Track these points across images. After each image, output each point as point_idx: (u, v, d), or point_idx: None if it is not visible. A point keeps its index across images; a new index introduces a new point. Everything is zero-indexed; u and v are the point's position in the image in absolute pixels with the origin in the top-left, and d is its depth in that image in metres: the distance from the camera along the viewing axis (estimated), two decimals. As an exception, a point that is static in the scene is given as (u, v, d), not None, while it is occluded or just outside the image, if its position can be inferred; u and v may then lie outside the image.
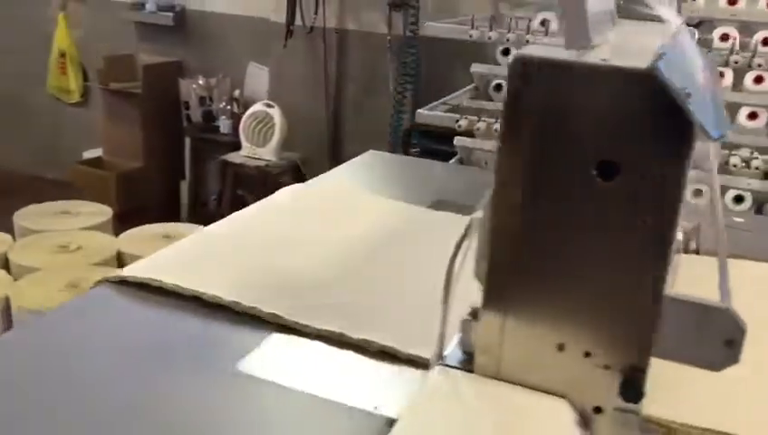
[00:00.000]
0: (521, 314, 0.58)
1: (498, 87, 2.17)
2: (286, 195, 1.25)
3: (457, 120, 1.98)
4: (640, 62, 0.50)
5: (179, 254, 0.99)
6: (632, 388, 0.55)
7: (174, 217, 3.93)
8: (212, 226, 1.12)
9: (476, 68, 2.13)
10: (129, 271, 0.90)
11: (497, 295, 0.58)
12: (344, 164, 1.50)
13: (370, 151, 1.58)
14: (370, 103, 3.64)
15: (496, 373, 0.60)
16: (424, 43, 3.36)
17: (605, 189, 0.52)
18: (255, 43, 3.86)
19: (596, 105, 0.51)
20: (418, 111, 2.01)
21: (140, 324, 0.83)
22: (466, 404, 0.57)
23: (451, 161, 2.10)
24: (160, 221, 3.10)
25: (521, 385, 0.59)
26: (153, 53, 4.18)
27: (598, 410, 0.57)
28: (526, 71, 0.52)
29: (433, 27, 1.98)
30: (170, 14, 4.13)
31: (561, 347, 0.57)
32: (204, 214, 3.82)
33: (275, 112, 3.48)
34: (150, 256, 0.98)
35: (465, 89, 2.18)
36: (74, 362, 0.75)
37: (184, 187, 4.15)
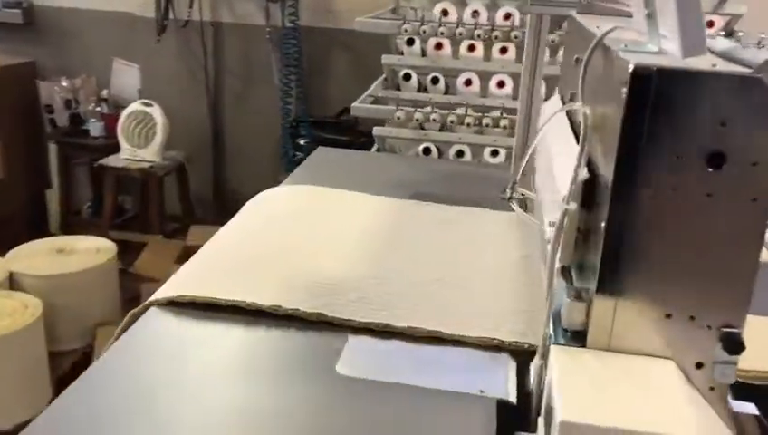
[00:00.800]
0: (632, 292, 0.65)
1: (407, 76, 2.24)
2: (272, 200, 1.26)
3: (396, 112, 2.03)
4: (742, 68, 0.59)
5: (211, 269, 0.99)
6: (734, 342, 0.64)
7: (42, 227, 3.69)
8: (217, 239, 1.11)
9: (387, 59, 2.19)
10: (174, 291, 0.89)
11: (611, 279, 0.66)
12: (302, 166, 1.52)
13: (320, 148, 1.61)
14: (253, 96, 3.60)
15: (607, 346, 0.68)
16: (303, 33, 3.38)
17: (715, 177, 0.61)
18: (121, 40, 3.67)
19: (709, 105, 0.60)
20: (353, 104, 2.03)
21: (209, 342, 0.82)
22: (599, 374, 0.65)
23: (373, 150, 2.15)
24: (28, 233, 2.95)
25: (631, 353, 0.67)
26: (2, 53, 3.86)
27: (699, 365, 0.66)
28: (647, 79, 0.60)
29: (363, 23, 2.01)
30: (18, 10, 3.82)
31: (668, 316, 0.66)
32: (78, 223, 3.61)
33: (156, 111, 3.35)
34: (179, 274, 0.97)
35: (378, 80, 2.24)
36: (167, 388, 0.74)
37: (51, 195, 3.88)
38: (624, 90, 0.61)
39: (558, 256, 0.70)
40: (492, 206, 1.34)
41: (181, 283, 0.93)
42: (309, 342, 0.83)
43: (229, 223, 1.17)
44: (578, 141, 0.78)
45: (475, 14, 2.28)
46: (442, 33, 1.98)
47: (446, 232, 1.16)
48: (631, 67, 0.60)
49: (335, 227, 1.14)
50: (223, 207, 3.71)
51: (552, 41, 2.05)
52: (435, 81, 2.26)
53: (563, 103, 1.09)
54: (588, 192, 0.72)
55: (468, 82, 2.25)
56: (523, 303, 0.94)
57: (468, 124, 2.15)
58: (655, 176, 0.62)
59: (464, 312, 0.91)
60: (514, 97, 2.26)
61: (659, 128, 0.61)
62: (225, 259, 1.02)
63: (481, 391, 0.74)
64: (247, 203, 1.28)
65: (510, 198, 1.00)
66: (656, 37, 0.67)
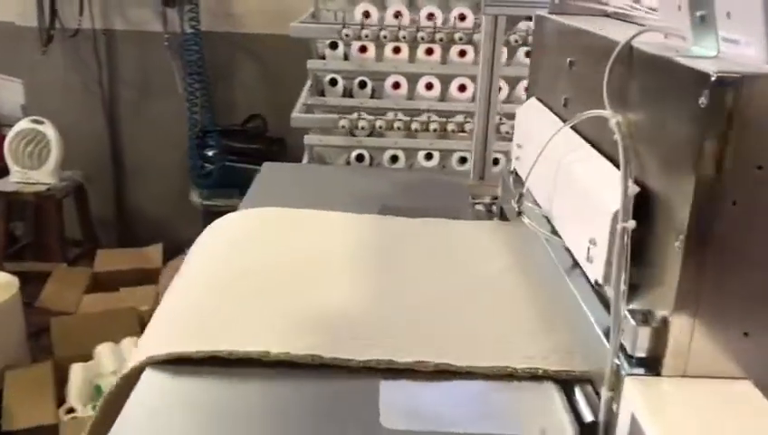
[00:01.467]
0: (711, 312, 0.62)
1: (333, 81, 2.16)
2: (237, 226, 1.15)
3: (339, 120, 1.94)
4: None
5: (189, 315, 0.87)
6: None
7: None
8: (185, 276, 0.99)
9: (312, 64, 2.10)
10: (165, 347, 0.77)
11: (690, 299, 0.61)
12: (254, 185, 1.40)
13: (267, 165, 1.50)
14: (153, 108, 3.39)
15: (684, 371, 0.63)
16: (204, 39, 3.21)
17: (799, 188, 0.58)
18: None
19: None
20: (294, 115, 1.92)
21: (227, 401, 0.72)
22: (689, 403, 0.60)
23: (304, 161, 2.06)
24: None
25: (707, 377, 0.63)
26: None
27: (776, 382, 0.64)
28: (732, 86, 0.56)
29: (299, 28, 1.90)
30: None
31: (745, 334, 0.62)
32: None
33: (48, 129, 3.08)
34: (157, 325, 0.85)
35: (306, 87, 2.14)
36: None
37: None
38: (703, 99, 0.57)
39: (623, 277, 0.65)
40: (464, 215, 1.29)
41: (172, 333, 0.82)
42: (327, 390, 0.75)
43: (192, 256, 1.05)
44: (598, 151, 0.74)
45: (398, 14, 2.23)
46: (385, 37, 1.91)
47: (426, 248, 1.10)
48: (714, 75, 0.56)
49: (313, 253, 1.05)
50: (127, 229, 3.48)
51: (516, 41, 2.03)
52: (362, 85, 2.19)
53: (551, 107, 1.05)
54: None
55: (396, 85, 2.19)
56: (525, 322, 0.89)
57: (399, 128, 2.09)
58: (738, 189, 0.58)
59: (465, 337, 0.85)
60: (441, 99, 2.23)
61: (742, 138, 0.57)
62: (203, 301, 0.91)
63: (543, 432, 0.69)
64: (205, 231, 1.17)
65: (519, 212, 0.95)
66: (711, 42, 0.63)
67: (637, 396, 0.62)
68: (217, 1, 3.28)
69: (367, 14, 2.23)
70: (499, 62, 1.40)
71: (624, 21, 1.02)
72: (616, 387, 0.66)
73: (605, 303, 0.77)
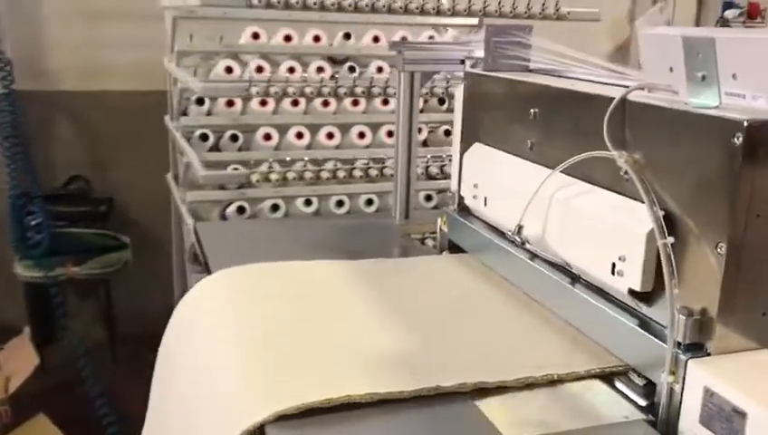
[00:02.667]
0: (743, 300, 0.80)
1: (204, 136, 2.17)
2: (232, 283, 1.16)
3: (249, 175, 1.93)
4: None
5: (274, 371, 0.90)
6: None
7: None
8: (206, 339, 1.00)
9: (186, 121, 2.09)
10: (289, 401, 0.80)
11: (730, 291, 0.80)
12: (204, 247, 1.39)
13: (201, 224, 1.50)
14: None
15: (725, 350, 0.82)
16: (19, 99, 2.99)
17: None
18: None
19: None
20: (204, 173, 1.87)
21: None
22: (747, 373, 0.78)
23: (189, 221, 2.03)
24: None
25: (741, 351, 0.82)
26: None
27: (781, 348, 0.84)
28: (759, 127, 0.75)
29: (207, 88, 1.87)
30: None
31: (764, 314, 0.82)
32: None
33: None
34: (239, 389, 0.87)
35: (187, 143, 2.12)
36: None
37: None
38: (736, 139, 0.76)
39: (674, 281, 0.82)
40: (413, 251, 1.41)
41: (275, 389, 0.84)
42: (432, 416, 0.83)
43: (200, 323, 1.05)
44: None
45: (291, 70, 2.28)
46: (293, 93, 1.96)
47: (419, 283, 1.21)
48: (746, 122, 0.75)
49: (325, 300, 1.10)
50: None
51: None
52: (234, 138, 2.21)
53: (506, 151, 1.21)
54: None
55: (267, 137, 2.25)
56: (535, 334, 1.03)
57: (275, 180, 2.15)
58: (762, 204, 0.78)
59: (491, 355, 0.97)
60: (308, 146, 2.32)
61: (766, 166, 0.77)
62: (268, 357, 0.93)
63: (626, 417, 0.84)
64: (191, 299, 1.16)
65: (523, 242, 1.09)
66: (712, 96, 0.83)
67: (705, 373, 0.78)
68: (30, 59, 3.07)
69: (229, 70, 2.26)
70: (417, 112, 1.55)
71: (551, 75, 1.22)
72: (675, 371, 0.82)
73: (620, 306, 0.94)
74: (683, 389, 0.81)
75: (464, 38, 1.38)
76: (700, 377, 0.79)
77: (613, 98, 0.94)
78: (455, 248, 1.37)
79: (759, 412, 0.72)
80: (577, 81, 1.11)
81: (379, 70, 2.43)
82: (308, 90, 1.84)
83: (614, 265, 0.92)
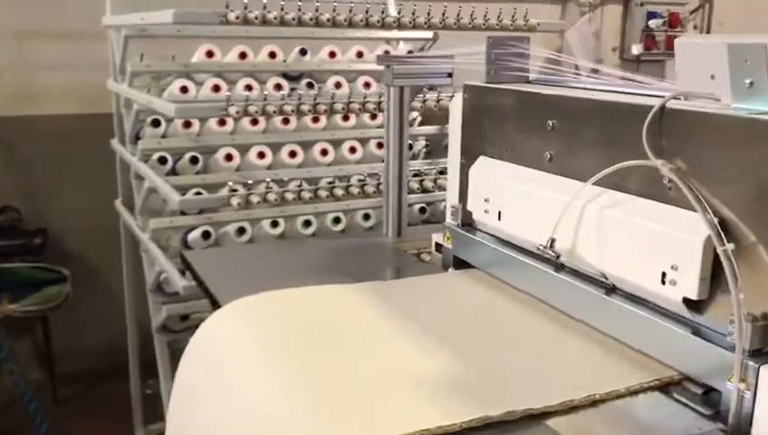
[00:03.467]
0: (808, 302, 0.81)
1: (162, 160, 2.06)
2: (253, 312, 1.09)
3: (228, 198, 1.83)
4: None
5: (319, 408, 0.84)
6: None
7: None
8: (237, 369, 0.93)
9: (144, 144, 1.99)
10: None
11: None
12: (202, 274, 1.31)
13: (190, 253, 1.41)
14: None
15: (790, 352, 0.82)
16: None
17: None
18: None
19: None
20: (179, 198, 1.76)
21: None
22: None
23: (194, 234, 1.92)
24: None
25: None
26: None
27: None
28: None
29: (184, 109, 1.76)
30: None
31: (822, 314, 0.83)
32: None
33: None
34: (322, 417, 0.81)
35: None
36: None
37: None
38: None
39: (738, 287, 0.82)
40: (414, 269, 1.37)
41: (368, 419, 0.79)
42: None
43: (231, 353, 0.98)
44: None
45: (216, 89, 2.20)
46: (256, 111, 1.87)
47: (440, 303, 1.17)
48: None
49: (354, 325, 1.06)
50: None
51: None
52: (194, 160, 2.12)
53: (518, 163, 1.20)
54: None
55: (229, 157, 2.17)
56: (575, 352, 1.01)
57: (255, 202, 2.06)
58: (825, 207, 0.79)
59: (531, 378, 0.95)
60: (270, 166, 2.25)
61: (826, 170, 0.78)
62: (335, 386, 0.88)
63: (699, 429, 0.82)
64: (211, 328, 1.08)
65: (558, 256, 1.07)
66: (762, 101, 0.83)
67: (785, 379, 0.78)
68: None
69: (185, 89, 2.17)
70: (407, 126, 1.52)
71: (559, 86, 1.21)
72: (745, 378, 0.81)
73: (666, 315, 0.93)
74: (755, 395, 0.81)
75: (458, 50, 1.36)
76: (775, 383, 0.79)
77: (646, 107, 0.94)
78: (459, 264, 1.35)
79: None
80: (595, 91, 1.11)
81: (337, 85, 2.39)
82: (270, 108, 1.77)
83: (664, 274, 0.91)
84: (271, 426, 0.85)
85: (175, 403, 1.10)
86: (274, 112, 2.00)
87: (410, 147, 2.58)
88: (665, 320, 0.93)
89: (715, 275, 0.87)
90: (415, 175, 2.35)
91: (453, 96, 1.42)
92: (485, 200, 1.25)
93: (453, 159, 1.42)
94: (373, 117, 2.37)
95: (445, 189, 2.30)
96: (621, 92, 1.07)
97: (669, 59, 4.09)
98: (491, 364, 0.96)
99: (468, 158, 1.33)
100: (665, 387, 0.92)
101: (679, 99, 0.94)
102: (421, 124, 2.61)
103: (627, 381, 0.91)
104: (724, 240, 0.84)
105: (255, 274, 1.33)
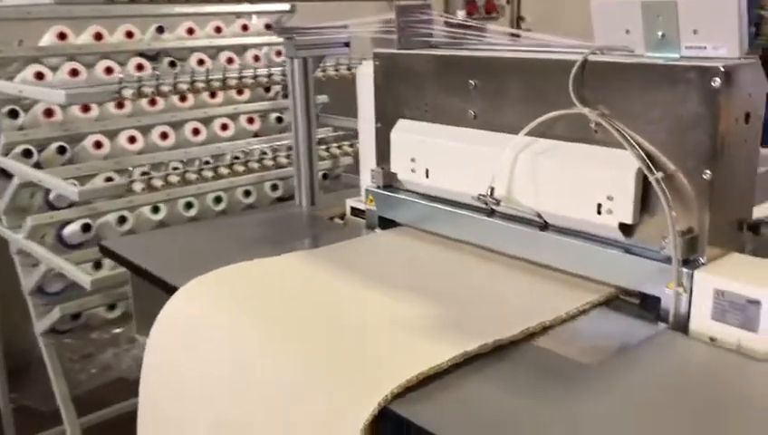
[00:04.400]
0: (718, 214, 0.99)
1: (27, 153, 1.93)
2: (225, 285, 1.10)
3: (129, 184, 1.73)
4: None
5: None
6: (754, 227, 1.04)
7: None
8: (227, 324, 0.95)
9: (10, 137, 1.84)
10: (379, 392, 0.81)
11: (716, 209, 0.97)
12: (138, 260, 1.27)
13: (111, 241, 1.35)
14: None
15: (711, 259, 0.99)
16: None
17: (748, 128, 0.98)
18: None
19: (748, 86, 0.96)
20: (78, 190, 1.63)
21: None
22: (742, 272, 0.96)
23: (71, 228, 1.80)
24: None
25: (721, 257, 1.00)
26: None
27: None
28: (732, 70, 0.92)
29: (75, 95, 1.61)
30: None
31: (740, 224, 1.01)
32: None
33: None
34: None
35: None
36: None
37: None
38: (715, 84, 0.93)
39: (671, 211, 0.97)
40: (353, 232, 1.44)
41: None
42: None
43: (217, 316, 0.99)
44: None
45: (74, 73, 2.08)
46: (170, 91, 1.79)
47: (396, 259, 1.25)
48: (722, 67, 0.92)
49: (333, 286, 1.11)
50: None
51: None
52: (61, 150, 2.00)
53: (440, 123, 1.29)
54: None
55: (98, 145, 2.06)
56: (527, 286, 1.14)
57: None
58: (729, 135, 0.96)
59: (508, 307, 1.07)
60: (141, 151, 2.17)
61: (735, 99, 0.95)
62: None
63: (655, 330, 0.98)
64: (181, 302, 1.08)
65: (498, 202, 1.17)
66: (673, 50, 0.99)
67: (714, 278, 0.95)
68: None
69: (40, 75, 2.02)
70: (312, 97, 1.56)
71: (463, 48, 1.32)
72: (681, 283, 0.98)
73: (604, 242, 1.08)
74: (691, 296, 0.97)
75: (368, 19, 1.42)
76: (709, 282, 0.95)
77: (568, 62, 1.07)
78: (385, 224, 1.43)
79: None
80: (513, 51, 1.23)
81: (200, 62, 2.34)
82: (165, 87, 1.73)
83: (600, 205, 1.06)
84: (284, 389, 0.88)
85: (151, 393, 1.08)
86: (170, 92, 1.94)
87: (280, 120, 2.60)
88: (600, 245, 1.08)
89: (642, 202, 1.03)
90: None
91: (360, 64, 1.48)
92: (412, 160, 1.34)
93: (365, 126, 1.49)
94: (267, 90, 2.40)
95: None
96: (536, 50, 1.20)
97: (490, 22, 4.38)
98: (459, 304, 1.06)
99: (385, 122, 1.41)
100: (607, 303, 1.07)
101: (597, 53, 1.08)
102: (284, 97, 2.63)
103: (574, 302, 1.05)
104: (653, 169, 1.00)
105: (193, 255, 1.32)
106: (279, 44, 2.51)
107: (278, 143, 2.41)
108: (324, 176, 2.22)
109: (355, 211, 1.56)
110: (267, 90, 2.52)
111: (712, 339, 0.96)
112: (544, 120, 1.12)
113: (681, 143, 0.99)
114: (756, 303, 0.91)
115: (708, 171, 0.96)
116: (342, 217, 1.55)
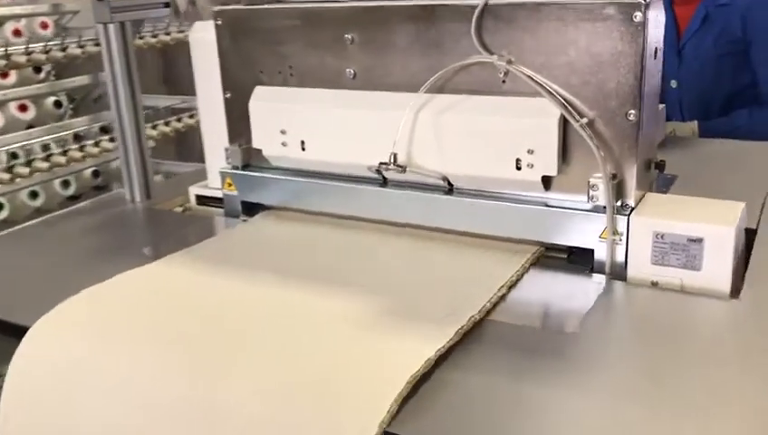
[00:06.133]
0: (642, 157, 0.96)
1: None
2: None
3: None
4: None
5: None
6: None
7: None
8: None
9: None
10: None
11: (643, 151, 0.94)
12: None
13: None
14: None
15: (638, 201, 0.97)
16: None
17: (659, 64, 0.96)
18: None
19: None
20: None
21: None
22: (675, 211, 0.94)
23: None
24: None
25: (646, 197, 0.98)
26: None
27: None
28: (646, 10, 0.88)
29: None
30: None
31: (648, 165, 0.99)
32: None
33: None
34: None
35: None
36: None
37: None
38: (637, 19, 0.88)
39: (602, 155, 0.92)
40: (216, 224, 1.23)
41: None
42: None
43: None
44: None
45: None
46: None
47: (281, 253, 1.08)
48: (643, 2, 0.88)
49: (219, 298, 0.90)
50: None
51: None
52: None
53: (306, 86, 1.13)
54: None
55: None
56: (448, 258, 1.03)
57: None
58: (650, 81, 0.93)
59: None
60: None
61: (651, 43, 0.91)
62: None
63: (598, 283, 0.92)
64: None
65: (404, 169, 1.03)
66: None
67: (651, 221, 0.92)
68: None
69: None
70: (135, 69, 1.30)
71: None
72: (616, 230, 0.94)
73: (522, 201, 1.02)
74: (627, 242, 0.94)
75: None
76: (647, 226, 0.92)
77: (463, 7, 0.98)
78: (248, 209, 1.24)
79: (713, 232, 0.89)
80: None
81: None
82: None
83: (518, 160, 0.98)
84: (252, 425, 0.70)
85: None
86: None
87: (59, 104, 2.22)
88: (518, 203, 1.01)
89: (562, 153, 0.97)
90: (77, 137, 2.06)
91: (191, 26, 1.26)
92: (282, 132, 1.16)
93: (207, 99, 1.27)
94: (37, 70, 2.01)
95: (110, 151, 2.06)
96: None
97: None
98: (395, 289, 0.92)
99: (235, 92, 1.21)
100: (539, 260, 1.01)
101: (493, -5, 0.99)
102: (57, 78, 2.24)
103: (511, 267, 0.97)
104: (576, 116, 0.94)
105: (21, 279, 1.03)
106: (44, 14, 2.13)
107: (65, 132, 2.06)
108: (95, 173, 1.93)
109: (202, 200, 1.35)
110: (37, 70, 2.13)
111: (654, 284, 0.93)
112: (443, 74, 1.01)
113: (601, 85, 0.94)
114: (699, 241, 0.90)
115: (633, 111, 0.92)
116: (183, 208, 1.33)
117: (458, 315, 0.82)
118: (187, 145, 2.52)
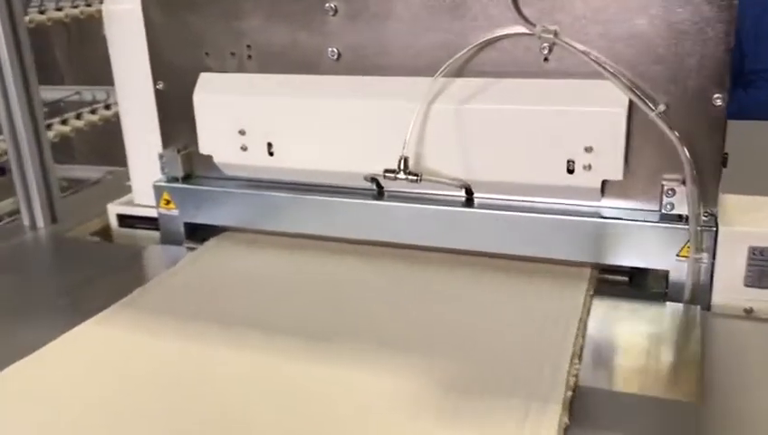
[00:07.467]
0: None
1: None
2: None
3: None
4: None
5: None
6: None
7: None
8: None
9: None
10: None
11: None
12: None
13: None
14: None
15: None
16: None
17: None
18: None
19: None
20: None
21: None
22: (755, 218, 0.75)
23: None
24: None
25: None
26: None
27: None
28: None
29: None
30: None
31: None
32: None
33: None
34: None
35: None
36: None
37: None
38: None
39: (686, 152, 0.72)
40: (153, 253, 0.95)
41: None
42: None
43: None
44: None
45: None
46: None
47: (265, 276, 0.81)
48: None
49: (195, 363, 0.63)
50: None
51: None
52: None
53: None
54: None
55: None
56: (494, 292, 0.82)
57: None
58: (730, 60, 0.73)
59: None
60: None
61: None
62: None
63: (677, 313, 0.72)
64: None
65: (418, 178, 0.78)
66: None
67: (748, 234, 0.73)
68: None
69: None
70: (31, 59, 0.98)
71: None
72: (701, 247, 0.74)
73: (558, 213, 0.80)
74: (714, 261, 0.74)
75: None
76: (741, 238, 0.73)
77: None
78: (191, 232, 0.96)
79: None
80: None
81: None
82: None
83: (570, 162, 0.76)
84: None
85: None
86: None
87: None
88: (566, 215, 0.79)
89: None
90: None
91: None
92: (241, 133, 0.88)
93: (129, 90, 0.98)
94: None
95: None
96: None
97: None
98: (440, 348, 0.68)
99: (170, 81, 0.92)
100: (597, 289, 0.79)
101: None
102: None
103: (571, 302, 0.75)
104: (649, 104, 0.73)
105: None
106: None
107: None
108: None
109: (127, 221, 1.05)
110: None
111: (747, 311, 0.74)
112: (465, 53, 0.78)
113: (680, 61, 0.73)
114: (810, 256, 0.71)
115: (719, 95, 0.72)
116: (102, 234, 1.03)
117: (543, 388, 0.60)
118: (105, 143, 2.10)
